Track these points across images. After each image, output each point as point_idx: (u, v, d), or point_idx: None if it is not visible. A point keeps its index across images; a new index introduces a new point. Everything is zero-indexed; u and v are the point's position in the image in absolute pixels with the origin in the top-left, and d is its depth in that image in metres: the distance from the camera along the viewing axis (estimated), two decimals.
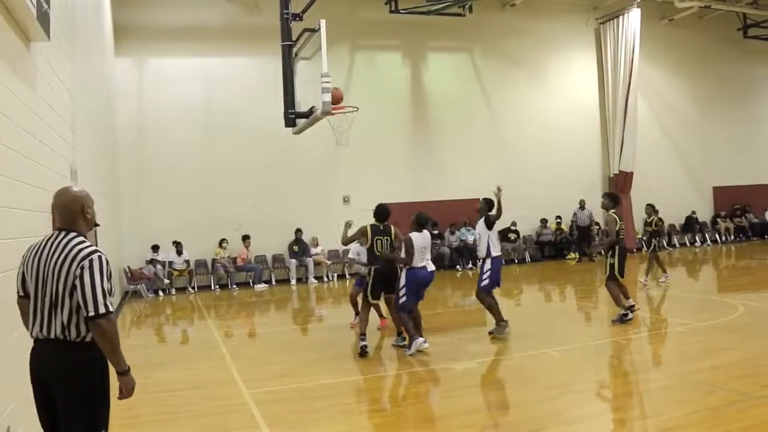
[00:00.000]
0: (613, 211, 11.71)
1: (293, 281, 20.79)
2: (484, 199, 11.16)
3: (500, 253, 11.07)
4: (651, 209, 16.89)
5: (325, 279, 21.10)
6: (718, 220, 27.26)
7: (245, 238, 20.62)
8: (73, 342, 4.08)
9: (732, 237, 27.14)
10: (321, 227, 20.81)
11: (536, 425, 6.56)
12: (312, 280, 20.89)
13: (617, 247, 11.59)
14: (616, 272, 11.48)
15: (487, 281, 10.76)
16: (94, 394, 4.14)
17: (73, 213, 4.29)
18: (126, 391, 4.21)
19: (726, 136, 27.48)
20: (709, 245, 26.36)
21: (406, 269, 10.01)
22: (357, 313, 11.99)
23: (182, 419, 7.21)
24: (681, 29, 26.37)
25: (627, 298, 11.55)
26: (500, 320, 10.73)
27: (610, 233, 11.65)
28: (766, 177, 28.13)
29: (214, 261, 20.53)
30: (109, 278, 4.16)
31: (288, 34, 14.07)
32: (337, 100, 12.18)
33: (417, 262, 9.97)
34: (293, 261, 20.91)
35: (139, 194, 20.01)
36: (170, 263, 19.90)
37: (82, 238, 4.22)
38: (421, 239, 10.10)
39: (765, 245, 25.63)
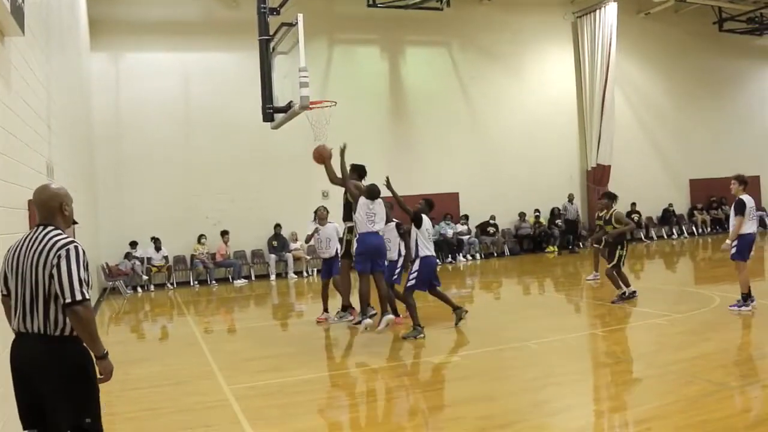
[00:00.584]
0: (614, 208, 13.45)
1: (273, 276, 20.74)
2: (425, 199, 11.35)
3: (432, 253, 10.78)
4: (612, 198, 17.03)
5: (305, 274, 21.07)
6: (695, 212, 27.47)
7: (224, 233, 20.54)
8: (53, 336, 4.13)
9: (708, 229, 27.38)
10: (300, 222, 20.72)
11: (516, 417, 6.58)
12: (291, 275, 20.85)
13: (625, 241, 13.05)
14: (622, 262, 12.81)
15: (413, 282, 10.54)
16: (79, 385, 4.18)
17: (51, 209, 4.36)
18: (105, 375, 4.31)
19: (702, 129, 27.69)
20: (686, 237, 26.58)
21: (421, 257, 10.46)
22: (325, 309, 12.54)
23: (162, 416, 7.16)
24: (657, 23, 26.53)
25: (627, 285, 12.84)
26: (417, 324, 10.44)
27: (625, 226, 13.25)
28: (742, 169, 27.68)
29: (192, 257, 20.44)
30: (86, 268, 4.20)
31: (265, 28, 14.00)
32: (322, 158, 12.01)
33: (426, 251, 10.55)
34: (272, 256, 20.86)
35: (117, 190, 19.85)
36: (148, 259, 19.80)
37: (59, 231, 4.29)
38: (428, 223, 10.71)
39: None
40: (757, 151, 28.47)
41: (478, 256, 23.38)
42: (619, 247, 12.81)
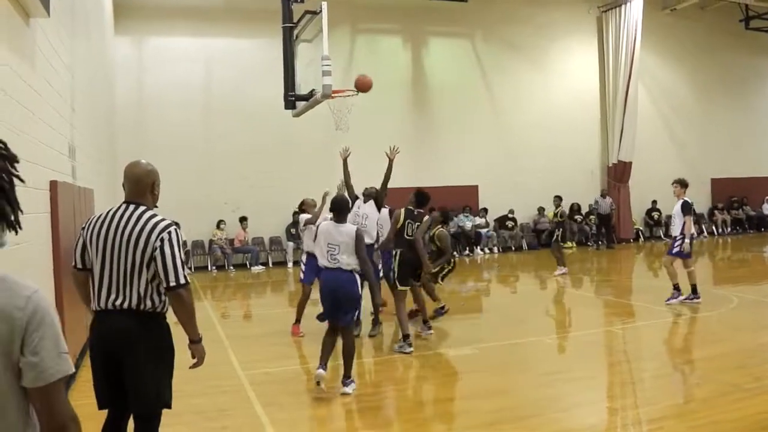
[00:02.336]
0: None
1: (290, 264, 20.77)
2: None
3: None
4: (559, 201, 17.20)
5: None
6: (716, 212, 27.28)
7: (243, 219, 20.62)
8: (148, 312, 4.21)
9: (729, 229, 27.17)
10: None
11: (529, 411, 6.59)
12: None
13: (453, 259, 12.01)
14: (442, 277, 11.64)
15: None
16: (166, 363, 4.34)
17: (144, 187, 4.34)
18: (199, 359, 4.49)
19: (725, 128, 27.45)
20: (705, 237, 26.37)
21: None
22: (298, 320, 10.47)
23: (177, 399, 7.14)
24: (683, 19, 26.28)
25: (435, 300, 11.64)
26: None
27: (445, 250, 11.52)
28: (764, 170, 28.13)
29: (211, 242, 20.54)
30: (182, 250, 4.27)
31: (289, 15, 14.01)
32: (366, 85, 12.01)
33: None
34: (290, 243, 20.90)
35: None
36: None
37: (153, 212, 4.30)
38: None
39: (761, 238, 25.67)
40: None
41: (495, 249, 23.34)
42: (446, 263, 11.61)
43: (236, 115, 20.68)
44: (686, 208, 11.94)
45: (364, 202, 10.60)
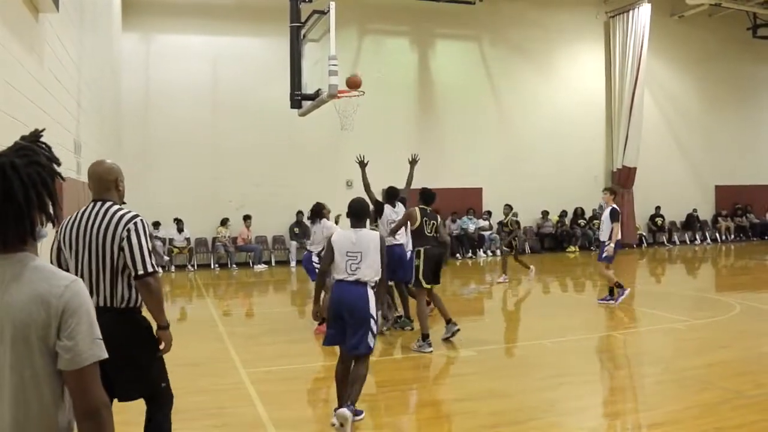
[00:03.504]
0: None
1: (293, 263, 20.78)
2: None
3: (397, 242, 10.41)
4: (509, 209, 17.17)
5: None
6: (719, 219, 27.24)
7: (246, 218, 20.63)
8: (118, 308, 4.29)
9: (732, 236, 27.14)
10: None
11: (529, 414, 6.59)
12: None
13: None
14: None
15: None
16: (151, 354, 4.42)
17: (107, 184, 4.44)
18: (167, 345, 4.51)
19: (730, 136, 27.43)
20: (709, 244, 26.36)
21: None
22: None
23: (177, 396, 7.16)
24: (690, 26, 26.27)
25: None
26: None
27: None
28: None
29: (214, 240, 20.56)
30: (150, 240, 4.36)
31: (297, 15, 14.05)
32: (356, 84, 12.09)
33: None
34: (293, 243, 20.92)
35: (142, 170, 19.91)
36: (170, 240, 19.94)
37: (119, 206, 4.39)
38: (390, 213, 10.43)
39: (765, 245, 25.62)
40: None
41: (498, 252, 23.32)
42: None
43: (242, 113, 20.71)
44: (614, 215, 12.36)
45: (394, 207, 10.64)
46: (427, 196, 9.92)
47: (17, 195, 2.12)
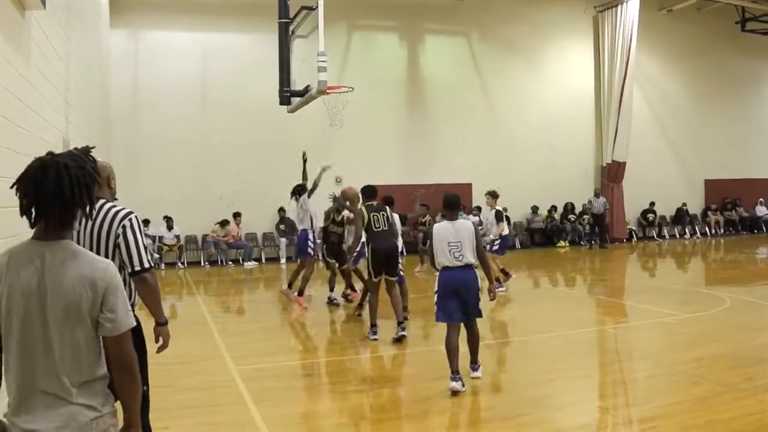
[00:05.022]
0: None
1: (283, 260, 20.76)
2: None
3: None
4: (425, 209, 17.32)
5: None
6: (709, 213, 27.32)
7: (236, 215, 20.57)
8: None
9: (722, 230, 27.22)
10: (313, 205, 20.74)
11: (520, 409, 6.59)
12: None
13: None
14: None
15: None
16: (139, 354, 4.29)
17: (100, 182, 4.35)
18: (165, 341, 4.56)
19: (719, 130, 27.48)
20: (698, 238, 26.44)
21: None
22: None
23: (168, 394, 7.19)
24: (679, 20, 26.30)
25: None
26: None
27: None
28: (757, 171, 28.21)
29: (204, 237, 20.50)
30: (144, 236, 4.37)
31: (285, 11, 14.01)
32: (350, 198, 11.39)
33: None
34: (283, 240, 20.88)
35: (131, 167, 19.78)
36: (160, 238, 19.86)
37: (112, 203, 4.39)
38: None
39: (754, 239, 25.75)
40: None
41: (488, 247, 23.32)
42: None
43: (231, 110, 20.63)
44: (499, 216, 13.72)
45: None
46: (367, 192, 10.28)
47: (65, 190, 2.60)
